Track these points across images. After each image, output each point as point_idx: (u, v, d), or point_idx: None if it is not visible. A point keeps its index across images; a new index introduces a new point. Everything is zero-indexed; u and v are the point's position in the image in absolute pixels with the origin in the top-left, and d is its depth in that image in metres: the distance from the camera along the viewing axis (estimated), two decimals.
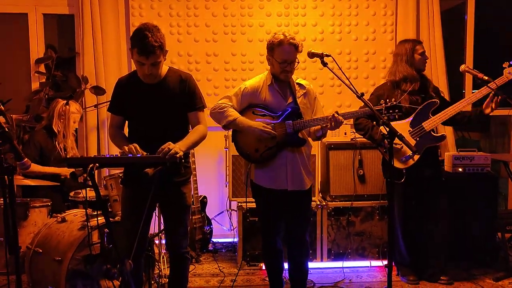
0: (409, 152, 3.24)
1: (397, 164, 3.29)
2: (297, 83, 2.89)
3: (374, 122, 3.36)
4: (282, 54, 2.72)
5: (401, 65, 3.37)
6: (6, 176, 1.86)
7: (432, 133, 3.32)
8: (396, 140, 2.45)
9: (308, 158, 2.93)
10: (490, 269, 3.65)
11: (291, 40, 2.72)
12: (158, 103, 2.53)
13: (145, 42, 2.34)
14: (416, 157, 3.27)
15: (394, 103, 2.68)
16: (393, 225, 3.48)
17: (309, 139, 2.96)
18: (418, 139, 3.28)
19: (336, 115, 2.67)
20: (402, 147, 3.23)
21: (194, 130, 2.60)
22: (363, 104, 2.48)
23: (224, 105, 2.83)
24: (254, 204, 3.00)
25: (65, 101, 3.73)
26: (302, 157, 2.87)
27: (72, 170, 3.03)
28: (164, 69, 2.57)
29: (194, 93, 2.60)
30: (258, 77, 2.93)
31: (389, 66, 3.51)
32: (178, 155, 2.30)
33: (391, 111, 2.67)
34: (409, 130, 3.30)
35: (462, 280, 3.49)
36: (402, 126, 3.27)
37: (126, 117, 2.64)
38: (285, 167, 2.82)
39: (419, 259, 3.51)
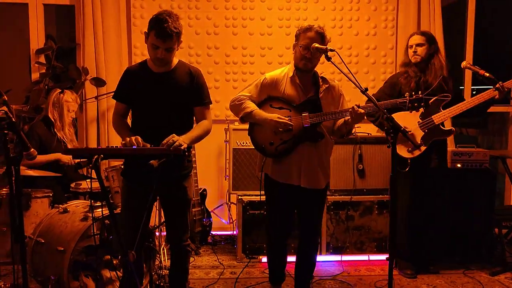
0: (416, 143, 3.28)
1: (404, 153, 3.32)
2: (321, 77, 2.80)
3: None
4: (306, 38, 2.64)
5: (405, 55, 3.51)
6: (12, 166, 1.87)
7: (441, 126, 3.33)
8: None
9: (327, 156, 2.83)
10: (487, 263, 3.68)
11: (318, 29, 2.65)
12: (165, 93, 2.52)
13: (164, 26, 2.34)
14: (423, 148, 3.29)
15: (421, 96, 2.62)
16: (396, 218, 3.49)
17: (332, 137, 2.86)
18: (426, 130, 3.31)
19: (356, 107, 2.55)
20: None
21: (199, 125, 2.59)
22: (367, 99, 2.48)
23: (242, 97, 2.77)
24: (256, 197, 2.94)
25: (60, 90, 3.71)
26: (320, 154, 2.76)
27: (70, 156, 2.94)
28: (174, 60, 2.57)
29: (202, 88, 2.60)
30: (280, 69, 2.85)
31: (389, 62, 3.52)
32: (182, 147, 2.31)
33: (416, 104, 2.61)
34: (418, 122, 3.32)
35: (459, 274, 3.53)
36: (412, 116, 3.29)
37: (131, 106, 2.63)
38: (300, 162, 2.73)
39: (419, 252, 3.54)
